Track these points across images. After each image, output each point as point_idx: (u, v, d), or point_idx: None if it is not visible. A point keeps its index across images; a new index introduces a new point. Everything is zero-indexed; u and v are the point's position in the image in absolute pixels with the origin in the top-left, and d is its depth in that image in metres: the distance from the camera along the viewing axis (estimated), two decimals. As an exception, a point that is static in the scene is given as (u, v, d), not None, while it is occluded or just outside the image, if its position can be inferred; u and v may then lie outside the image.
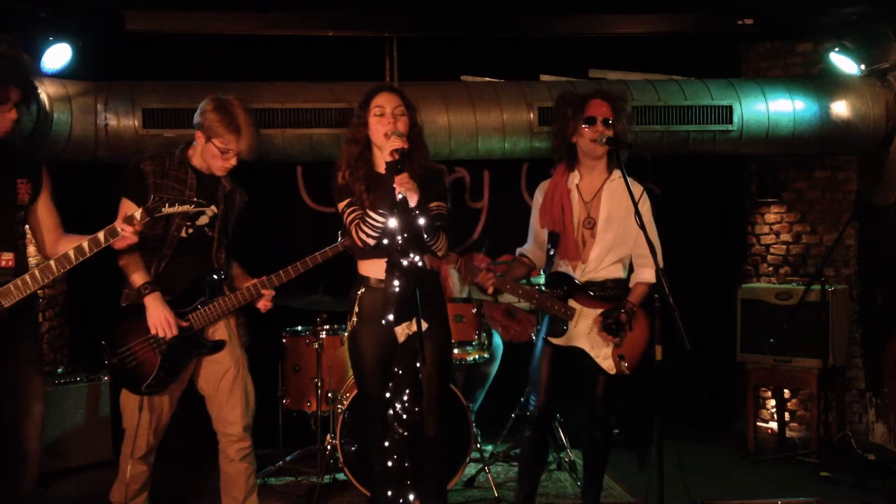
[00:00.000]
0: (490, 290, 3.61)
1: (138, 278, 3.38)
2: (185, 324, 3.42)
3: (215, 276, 3.51)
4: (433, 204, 3.27)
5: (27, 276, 3.03)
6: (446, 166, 3.57)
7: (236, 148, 3.39)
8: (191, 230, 3.47)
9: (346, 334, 4.70)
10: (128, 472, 3.47)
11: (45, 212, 3.21)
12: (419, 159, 3.29)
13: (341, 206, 3.31)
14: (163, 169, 3.43)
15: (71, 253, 3.06)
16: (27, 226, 3.22)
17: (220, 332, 3.55)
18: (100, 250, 3.09)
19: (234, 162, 3.44)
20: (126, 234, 3.09)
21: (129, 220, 3.10)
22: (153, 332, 3.37)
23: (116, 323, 3.46)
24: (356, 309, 3.36)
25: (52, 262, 3.06)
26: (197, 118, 3.41)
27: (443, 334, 3.41)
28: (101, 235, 3.08)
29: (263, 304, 3.57)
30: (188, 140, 3.54)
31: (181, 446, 3.92)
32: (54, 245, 3.22)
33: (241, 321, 3.68)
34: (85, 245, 3.07)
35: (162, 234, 3.43)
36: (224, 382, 3.52)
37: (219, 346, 3.52)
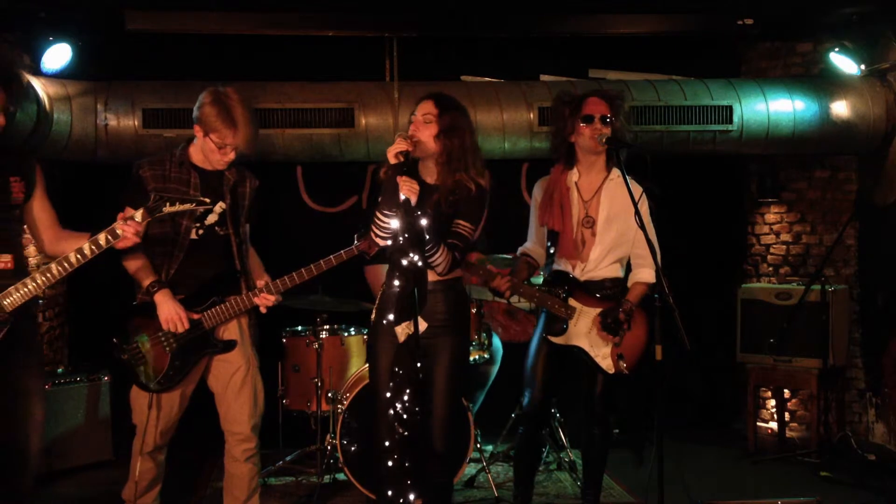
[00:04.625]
0: (508, 295, 3.58)
1: (145, 278, 3.36)
2: (196, 316, 3.40)
3: (228, 275, 3.48)
4: (458, 221, 3.24)
5: (28, 281, 3.00)
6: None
7: (233, 142, 3.34)
8: (201, 231, 3.43)
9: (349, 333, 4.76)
10: (137, 469, 3.46)
11: (40, 209, 3.18)
12: (451, 170, 3.22)
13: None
14: (163, 173, 3.39)
15: (72, 256, 3.02)
16: (25, 225, 3.18)
17: (231, 331, 3.52)
18: (101, 252, 3.06)
19: (232, 156, 3.40)
20: (127, 234, 3.05)
21: (129, 220, 3.06)
22: (164, 327, 3.36)
23: (127, 319, 3.44)
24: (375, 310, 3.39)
25: (52, 266, 3.03)
26: (195, 111, 3.37)
27: (459, 346, 3.35)
28: (101, 237, 3.04)
29: (263, 304, 3.53)
30: (187, 138, 3.51)
31: (185, 444, 3.91)
32: (53, 243, 3.19)
33: (254, 322, 3.64)
34: (86, 247, 3.03)
35: (171, 237, 3.39)
36: (233, 382, 3.51)
37: (230, 345, 3.50)
